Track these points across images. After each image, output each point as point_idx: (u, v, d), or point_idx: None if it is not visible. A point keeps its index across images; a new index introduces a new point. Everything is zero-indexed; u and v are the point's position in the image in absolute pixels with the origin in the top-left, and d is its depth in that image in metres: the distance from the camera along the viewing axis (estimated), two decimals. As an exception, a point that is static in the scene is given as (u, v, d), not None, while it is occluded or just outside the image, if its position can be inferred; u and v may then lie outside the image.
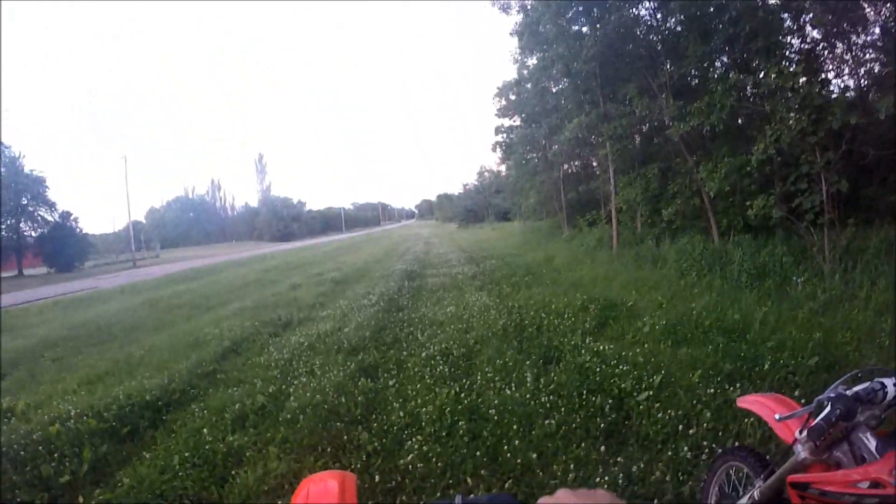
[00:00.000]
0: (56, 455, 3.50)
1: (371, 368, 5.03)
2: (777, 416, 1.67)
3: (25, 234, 30.47)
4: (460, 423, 3.58)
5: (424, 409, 3.85)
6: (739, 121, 9.26)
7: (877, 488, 1.33)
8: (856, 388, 1.45)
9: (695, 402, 3.46)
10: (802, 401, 2.15)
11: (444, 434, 3.48)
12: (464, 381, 4.42)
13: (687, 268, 8.34)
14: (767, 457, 2.01)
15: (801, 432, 1.58)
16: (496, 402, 3.82)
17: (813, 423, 1.52)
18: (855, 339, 4.39)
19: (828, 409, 1.47)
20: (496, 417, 3.58)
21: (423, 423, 3.64)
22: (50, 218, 30.99)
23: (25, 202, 29.91)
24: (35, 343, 8.09)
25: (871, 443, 1.43)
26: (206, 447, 3.56)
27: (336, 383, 4.52)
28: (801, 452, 1.56)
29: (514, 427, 3.41)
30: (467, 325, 6.23)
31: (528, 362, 4.61)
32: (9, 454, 3.48)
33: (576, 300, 6.64)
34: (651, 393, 3.65)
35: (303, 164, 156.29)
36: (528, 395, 3.90)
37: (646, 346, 4.70)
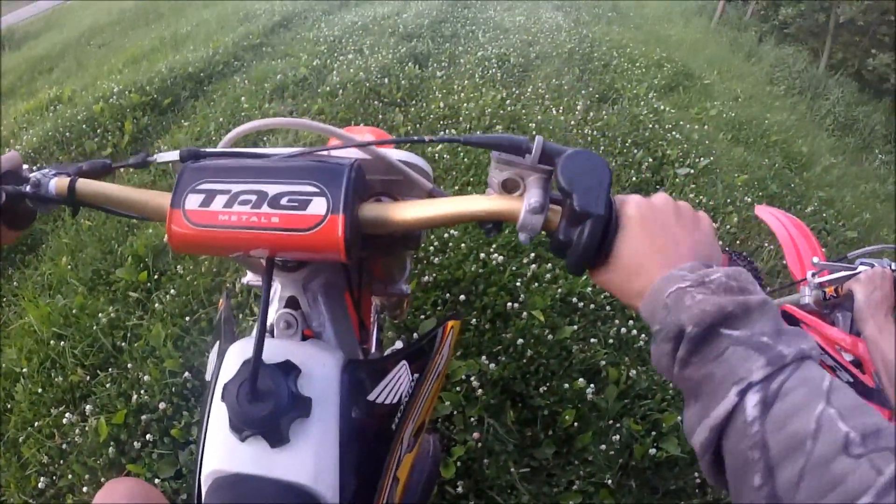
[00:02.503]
0: (99, 130, 3.50)
1: (422, 56, 4.68)
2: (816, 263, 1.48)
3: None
4: (498, 127, 3.43)
5: (466, 105, 3.66)
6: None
7: (857, 368, 1.25)
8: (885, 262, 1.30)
9: (728, 201, 3.30)
10: (824, 248, 1.98)
11: (479, 133, 3.33)
12: (513, 89, 4.13)
13: (779, 79, 7.49)
14: (766, 285, 1.92)
15: (814, 275, 1.44)
16: (539, 118, 3.60)
17: (831, 276, 1.37)
18: (899, 244, 4.16)
19: (856, 268, 1.31)
20: (535, 132, 3.38)
21: (461, 119, 3.49)
22: None
23: None
24: (81, 33, 7.51)
25: None
26: (243, 114, 3.59)
27: (382, 65, 4.22)
28: (806, 296, 1.43)
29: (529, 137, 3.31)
30: (533, 38, 5.60)
31: (583, 92, 4.24)
32: (55, 137, 3.50)
33: (653, 54, 5.90)
34: (692, 172, 3.45)
35: None
36: (573, 123, 3.66)
37: (706, 127, 4.33)
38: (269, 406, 0.54)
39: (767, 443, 0.34)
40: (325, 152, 0.64)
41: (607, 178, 0.50)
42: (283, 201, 0.54)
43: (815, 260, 1.44)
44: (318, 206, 0.53)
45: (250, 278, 1.03)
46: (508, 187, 0.55)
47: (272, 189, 0.54)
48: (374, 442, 0.66)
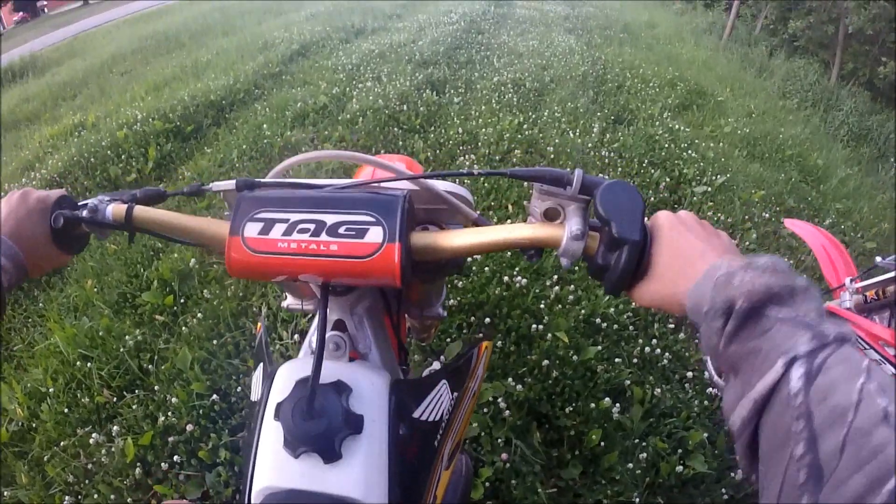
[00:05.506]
0: (123, 157, 3.61)
1: (438, 83, 4.79)
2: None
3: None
4: (516, 151, 3.49)
5: (484, 130, 3.73)
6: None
7: None
8: None
9: (747, 217, 3.32)
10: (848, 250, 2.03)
11: (497, 158, 3.41)
12: (530, 113, 4.19)
13: (791, 92, 7.50)
14: None
15: (852, 281, 1.53)
16: (557, 141, 3.65)
17: (870, 280, 1.48)
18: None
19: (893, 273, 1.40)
20: (552, 156, 3.47)
21: (480, 144, 3.56)
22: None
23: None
24: (103, 61, 7.78)
25: None
26: (265, 141, 3.68)
27: (401, 92, 4.33)
28: (847, 301, 1.52)
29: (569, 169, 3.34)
30: (546, 62, 5.68)
31: (598, 114, 4.31)
32: (80, 162, 3.59)
33: (666, 73, 5.97)
34: (710, 190, 3.47)
35: None
36: (590, 145, 3.71)
37: (721, 145, 4.37)
38: (324, 424, 0.57)
39: (812, 413, 0.35)
40: (375, 184, 0.68)
41: (641, 207, 0.54)
42: (342, 230, 0.57)
43: (849, 280, 1.53)
44: (375, 234, 0.57)
45: (290, 302, 1.07)
46: (550, 216, 0.61)
47: (330, 219, 0.58)
48: (418, 458, 0.69)
